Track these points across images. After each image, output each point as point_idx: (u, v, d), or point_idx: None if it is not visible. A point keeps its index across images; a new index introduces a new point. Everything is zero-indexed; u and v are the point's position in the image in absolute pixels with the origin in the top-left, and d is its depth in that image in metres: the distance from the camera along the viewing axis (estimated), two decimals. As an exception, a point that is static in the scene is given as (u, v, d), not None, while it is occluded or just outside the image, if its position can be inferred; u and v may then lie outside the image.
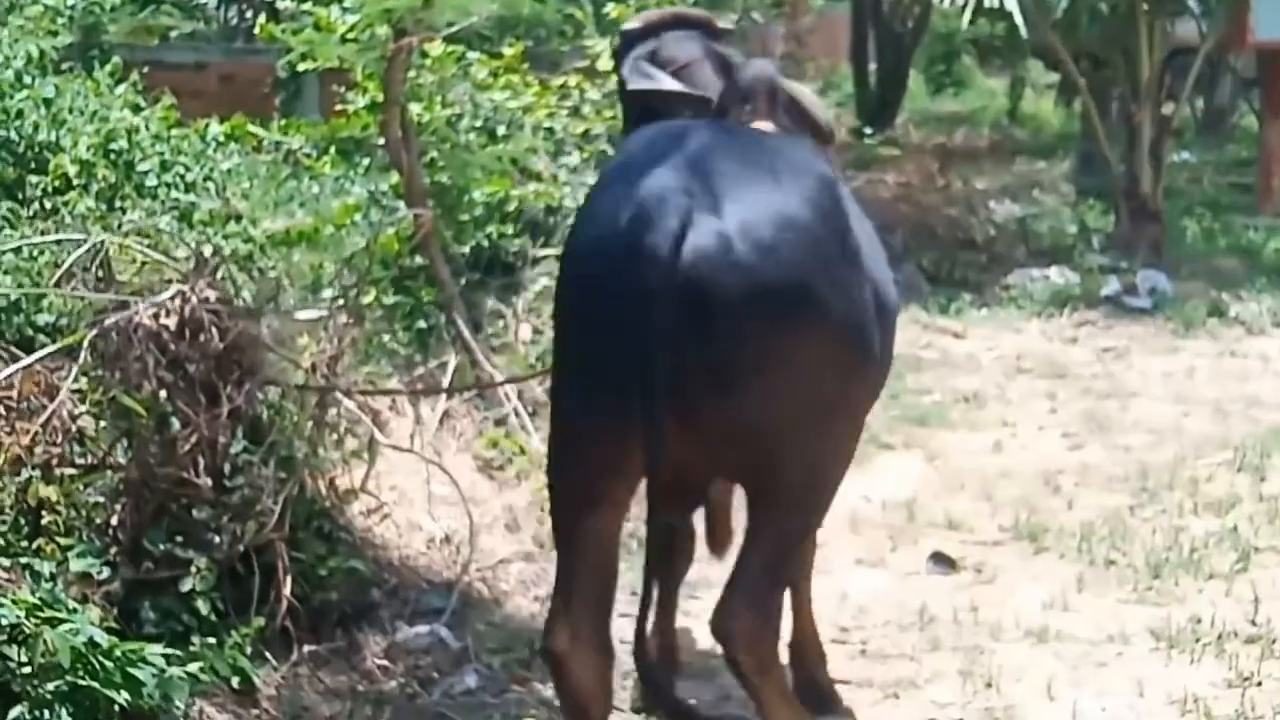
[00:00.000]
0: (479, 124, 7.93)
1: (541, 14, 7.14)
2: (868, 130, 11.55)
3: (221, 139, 8.51)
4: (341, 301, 5.05)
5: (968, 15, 8.26)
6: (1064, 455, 5.75)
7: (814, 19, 17.10)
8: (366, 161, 8.15)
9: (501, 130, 7.97)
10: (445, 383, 5.42)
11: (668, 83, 3.39)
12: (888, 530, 5.03)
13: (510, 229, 7.12)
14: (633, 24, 3.71)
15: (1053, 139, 14.19)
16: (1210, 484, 5.33)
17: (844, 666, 4.09)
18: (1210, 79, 14.08)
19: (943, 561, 4.76)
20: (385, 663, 3.92)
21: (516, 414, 5.48)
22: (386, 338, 5.93)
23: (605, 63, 8.63)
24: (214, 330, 3.70)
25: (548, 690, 3.93)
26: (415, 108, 7.58)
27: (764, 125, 3.47)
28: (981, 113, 16.85)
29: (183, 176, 6.97)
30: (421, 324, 6.28)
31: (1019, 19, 8.28)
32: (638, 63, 3.48)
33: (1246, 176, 11.55)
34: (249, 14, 13.00)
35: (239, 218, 6.59)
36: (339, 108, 8.77)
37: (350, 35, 6.60)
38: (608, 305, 2.62)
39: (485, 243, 7.00)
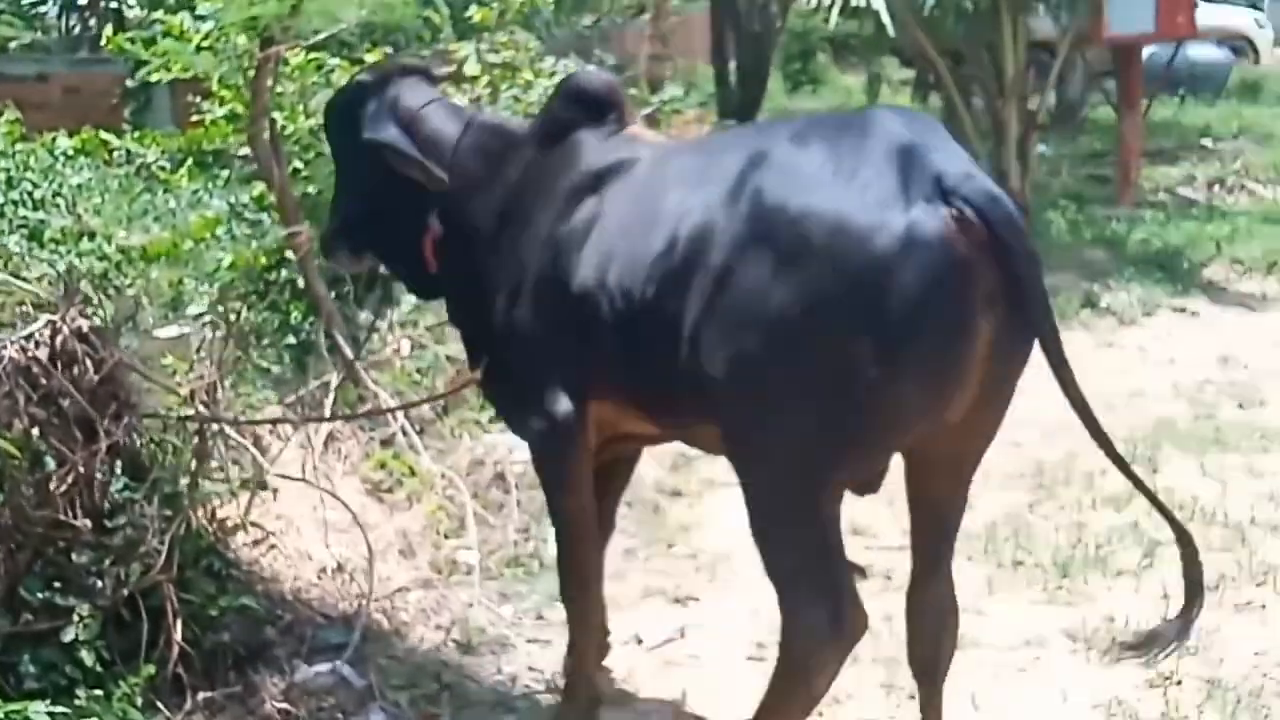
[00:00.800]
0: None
1: (401, 18, 6.89)
2: (733, 129, 11.53)
3: (71, 152, 8.14)
4: (214, 321, 4.82)
5: (835, 14, 8.21)
6: (958, 454, 5.71)
7: (675, 20, 17.09)
8: (225, 174, 7.86)
9: (365, 138, 7.75)
10: (328, 403, 5.18)
11: (405, 144, 3.43)
12: (792, 539, 4.92)
13: (381, 240, 6.90)
14: (366, 76, 3.76)
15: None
16: (1106, 479, 5.31)
17: (762, 684, 3.98)
18: (1061, 73, 14.34)
19: (852, 570, 4.66)
20: (285, 706, 3.68)
21: (404, 433, 5.27)
22: (257, 356, 5.69)
23: (471, 67, 8.48)
24: (88, 361, 3.46)
25: (459, 727, 3.78)
26: (277, 117, 7.33)
27: (635, 129, 3.40)
28: (840, 110, 16.94)
29: (30, 194, 6.63)
30: (291, 340, 6.04)
31: (886, 18, 8.28)
32: (378, 113, 3.51)
33: (1103, 168, 11.78)
34: (92, 23, 12.48)
35: (92, 235, 6.29)
36: (195, 119, 8.44)
37: (206, 44, 6.32)
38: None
39: (355, 256, 6.77)
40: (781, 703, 2.96)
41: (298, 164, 6.85)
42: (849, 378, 2.61)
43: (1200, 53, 17.06)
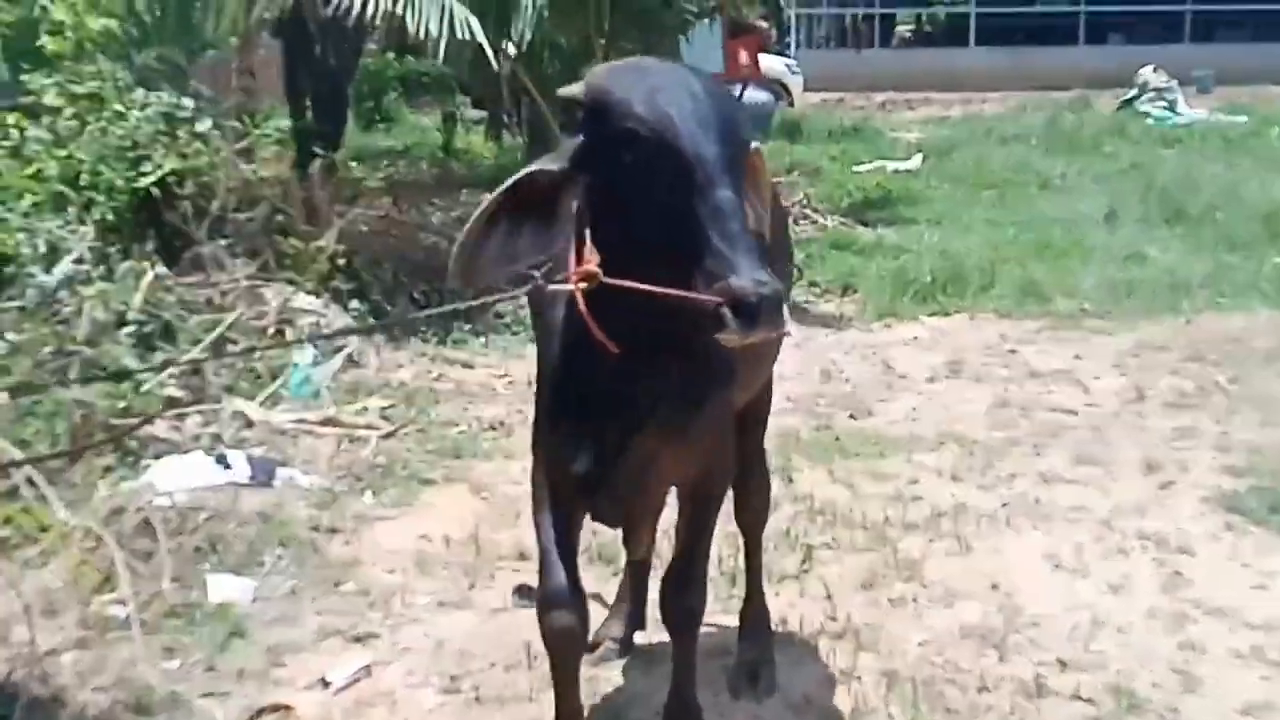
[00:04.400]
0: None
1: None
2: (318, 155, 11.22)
3: None
4: None
5: (443, 49, 8.18)
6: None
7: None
8: None
9: (-70, 176, 7.11)
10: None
11: None
12: (461, 568, 4.86)
13: (-41, 281, 6.34)
14: None
15: (491, 170, 14.44)
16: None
17: (465, 715, 3.91)
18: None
19: (528, 594, 4.64)
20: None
21: (31, 483, 4.82)
22: None
23: (52, 98, 7.93)
24: None
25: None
26: None
27: None
28: (417, 148, 16.94)
29: None
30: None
31: (489, 53, 8.34)
32: None
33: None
34: None
35: None
36: None
37: None
38: None
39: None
40: None
41: None
42: None
43: (749, 95, 18.22)
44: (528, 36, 8.59)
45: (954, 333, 8.39)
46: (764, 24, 17.98)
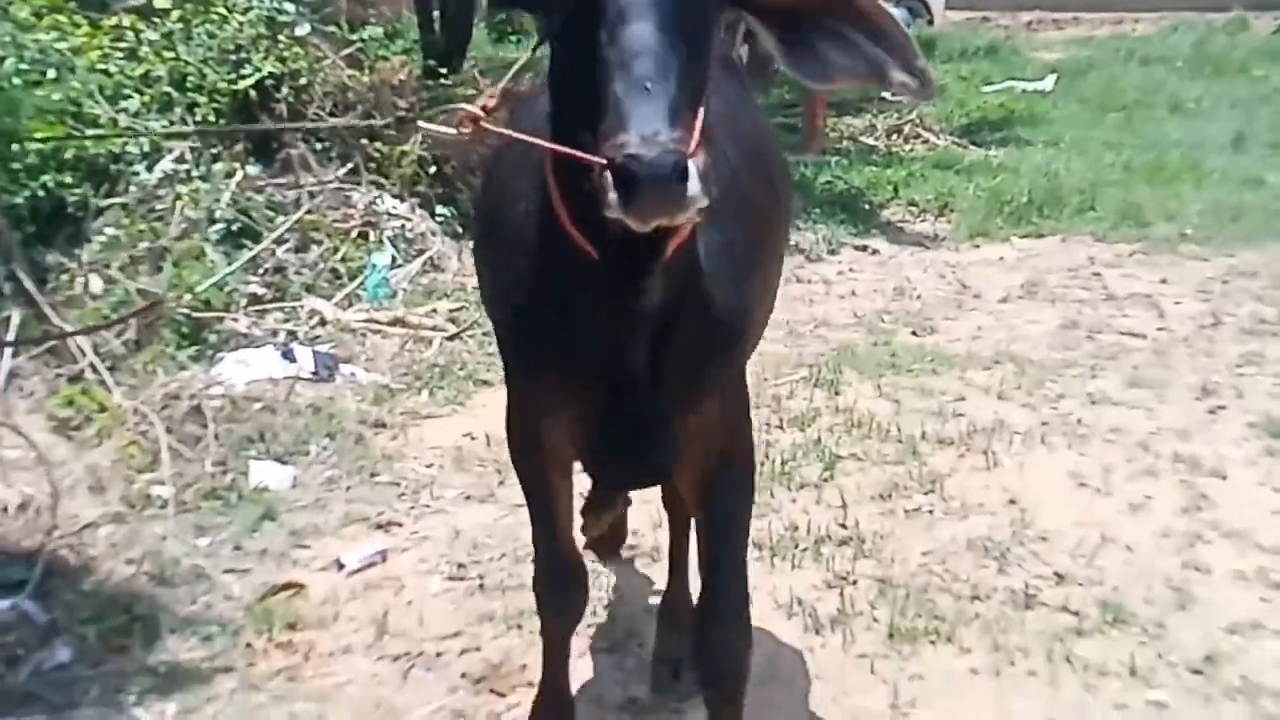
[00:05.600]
0: (25, 67, 7.32)
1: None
2: (442, 72, 11.37)
3: None
4: None
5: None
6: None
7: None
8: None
9: (51, 74, 7.39)
10: (9, 339, 4.95)
11: None
12: (495, 465, 5.00)
13: (70, 178, 6.63)
14: None
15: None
16: (791, 400, 5.61)
17: (465, 602, 4.06)
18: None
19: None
20: (-39, 645, 3.56)
21: (94, 369, 5.09)
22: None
23: (164, 1, 8.18)
24: None
25: (150, 658, 3.72)
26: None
27: None
28: (540, 61, 16.98)
29: None
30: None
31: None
32: None
33: (794, 118, 12.21)
34: None
35: None
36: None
37: None
38: None
39: (43, 193, 6.49)
40: None
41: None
42: None
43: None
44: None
45: (1042, 254, 8.24)
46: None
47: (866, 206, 9.47)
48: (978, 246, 8.54)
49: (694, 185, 1.81)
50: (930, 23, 22.12)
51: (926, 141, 11.85)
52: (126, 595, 3.97)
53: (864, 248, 8.56)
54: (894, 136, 12.06)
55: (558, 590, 3.03)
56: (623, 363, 2.29)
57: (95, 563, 4.14)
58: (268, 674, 3.66)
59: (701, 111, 1.94)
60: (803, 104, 11.83)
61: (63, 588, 3.94)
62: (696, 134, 1.87)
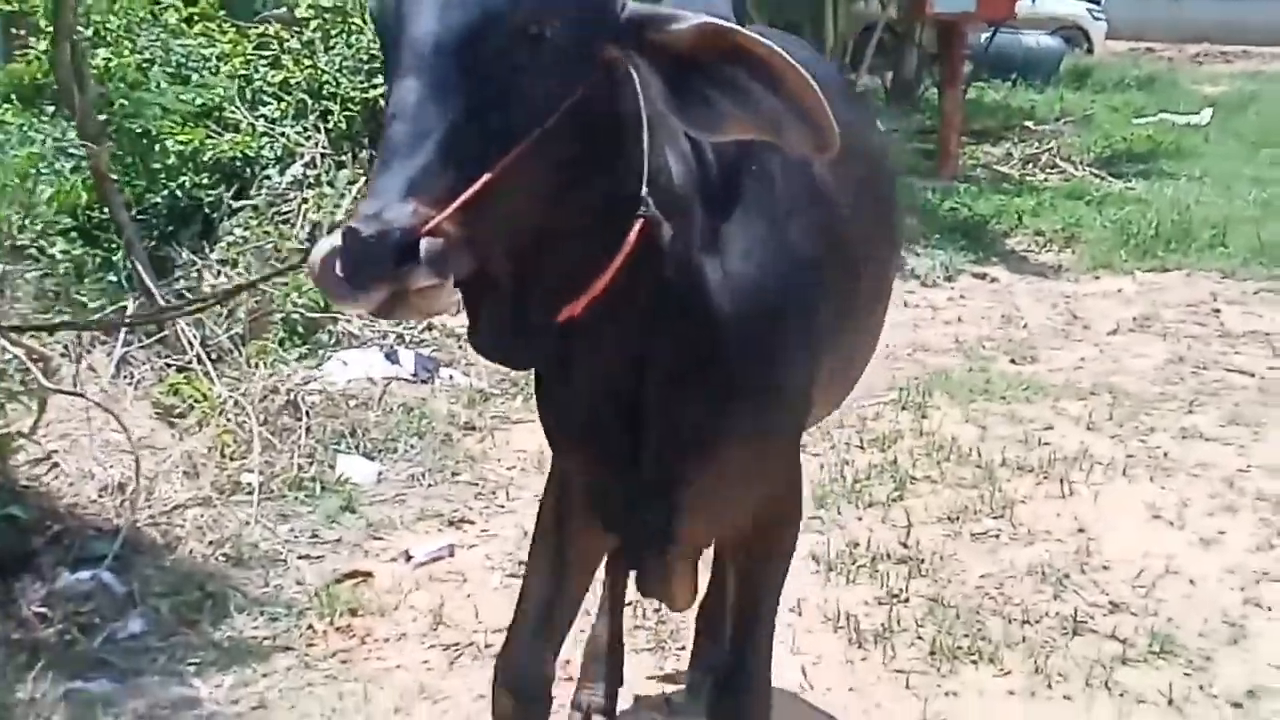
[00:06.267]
0: (171, 71, 7.71)
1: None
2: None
3: (-106, 89, 8.00)
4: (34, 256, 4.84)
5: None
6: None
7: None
8: (51, 109, 7.80)
9: (195, 78, 7.76)
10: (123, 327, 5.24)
11: None
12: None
13: (205, 179, 6.97)
14: None
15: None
16: (876, 421, 5.62)
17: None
18: (898, 52, 14.77)
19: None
20: (43, 610, 3.79)
21: (200, 360, 5.35)
22: (76, 292, 5.74)
23: (303, 10, 8.52)
24: None
25: (217, 633, 3.91)
26: (102, 53, 7.31)
27: None
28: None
29: None
30: (113, 278, 6.08)
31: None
32: None
33: (930, 143, 12.16)
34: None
35: (-86, 171, 6.25)
36: (21, 53, 8.36)
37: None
38: None
39: (179, 193, 6.84)
40: None
41: (123, 101, 6.88)
42: None
43: (1034, 40, 17.73)
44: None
45: (1163, 288, 8.07)
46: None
47: (989, 234, 9.39)
48: (1098, 278, 8.40)
49: (423, 269, 1.62)
50: (1090, 52, 21.78)
51: (1063, 172, 11.67)
52: (203, 573, 4.18)
53: (982, 275, 8.48)
54: (1030, 165, 11.90)
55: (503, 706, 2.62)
56: (595, 426, 2.23)
57: (179, 542, 4.36)
58: (324, 654, 3.83)
59: (502, 171, 1.69)
60: (939, 129, 11.77)
61: (144, 563, 4.17)
62: (456, 205, 1.65)
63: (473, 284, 1.80)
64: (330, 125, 7.91)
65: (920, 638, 3.89)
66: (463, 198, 1.65)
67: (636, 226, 1.94)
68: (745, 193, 2.16)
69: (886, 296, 3.01)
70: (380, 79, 8.16)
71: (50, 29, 6.56)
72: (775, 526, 2.56)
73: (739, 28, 1.88)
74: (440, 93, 1.69)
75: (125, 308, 5.50)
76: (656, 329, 2.09)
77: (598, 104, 1.84)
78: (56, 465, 4.64)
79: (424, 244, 1.61)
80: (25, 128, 7.45)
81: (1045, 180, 11.38)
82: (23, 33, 8.41)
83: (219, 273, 6.34)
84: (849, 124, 2.52)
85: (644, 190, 1.94)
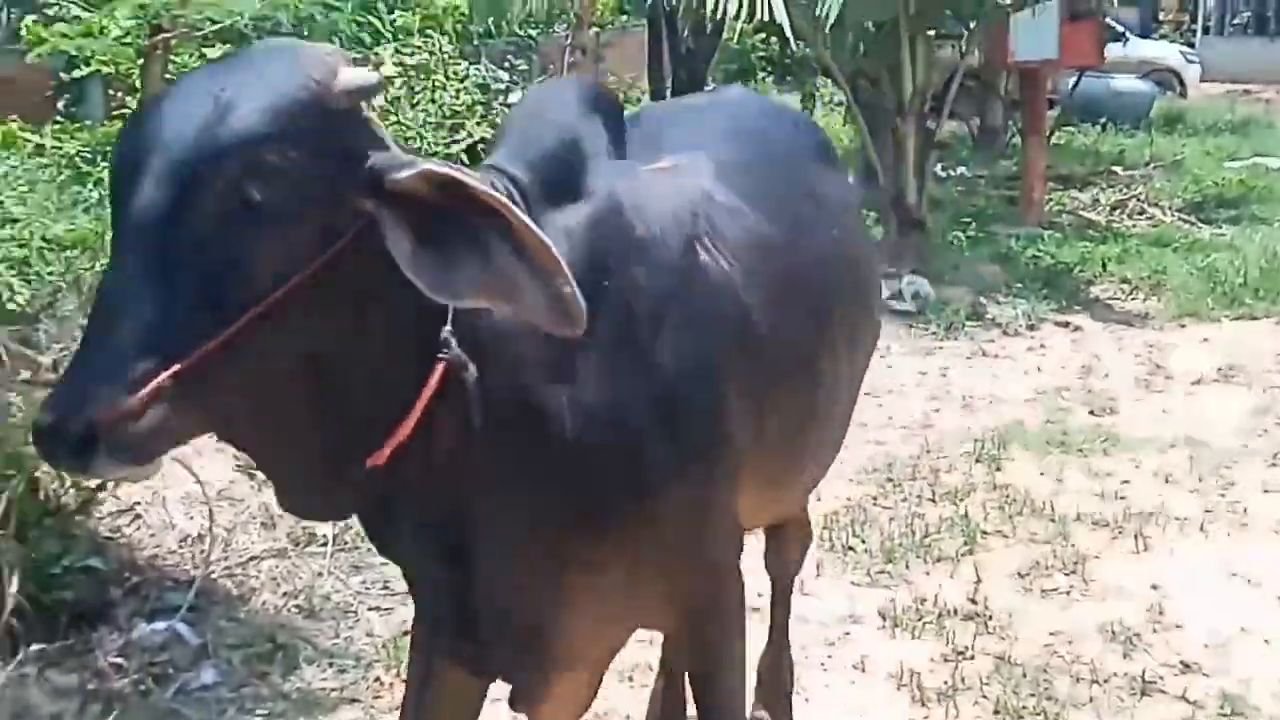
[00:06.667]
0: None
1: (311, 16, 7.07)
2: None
3: (-6, 147, 8.29)
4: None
5: (739, 25, 8.43)
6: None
7: (611, 34, 17.36)
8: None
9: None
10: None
11: None
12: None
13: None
14: None
15: (842, 152, 14.61)
16: (949, 474, 5.59)
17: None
18: (983, 99, 14.73)
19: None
20: (119, 660, 3.88)
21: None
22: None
23: (388, 67, 8.72)
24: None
25: (286, 684, 3.97)
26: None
27: None
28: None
29: (-50, 185, 6.76)
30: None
31: (789, 31, 8.49)
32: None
33: (1014, 190, 12.09)
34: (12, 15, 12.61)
35: (14, 222, 6.45)
36: (117, 112, 8.64)
37: (125, 39, 6.50)
38: None
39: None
40: None
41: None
42: None
43: (1124, 84, 17.54)
44: (832, 17, 8.62)
45: (1250, 338, 7.92)
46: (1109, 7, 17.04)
47: (1072, 282, 9.29)
48: (1183, 326, 8.28)
49: (102, 461, 1.57)
50: (1183, 95, 21.50)
51: (1151, 218, 11.53)
52: (275, 625, 4.27)
53: (1065, 324, 8.40)
54: (1117, 212, 11.77)
55: None
56: (426, 579, 2.19)
57: (253, 593, 4.45)
58: (389, 707, 3.87)
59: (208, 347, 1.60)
60: (1022, 176, 11.70)
61: (218, 614, 4.26)
62: (145, 392, 1.56)
63: (265, 447, 1.80)
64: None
65: (985, 696, 3.85)
66: (154, 383, 1.56)
67: (439, 370, 1.85)
68: (596, 314, 1.88)
69: (857, 378, 2.92)
70: (463, 133, 8.36)
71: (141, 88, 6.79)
72: (708, 618, 2.37)
73: (469, 175, 1.75)
74: (144, 270, 1.61)
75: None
76: (483, 471, 1.98)
77: (356, 260, 1.72)
78: (139, 517, 4.77)
79: (103, 436, 1.55)
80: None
81: (1132, 226, 11.25)
82: (119, 94, 8.70)
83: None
84: (815, 201, 2.68)
85: (445, 331, 1.84)
